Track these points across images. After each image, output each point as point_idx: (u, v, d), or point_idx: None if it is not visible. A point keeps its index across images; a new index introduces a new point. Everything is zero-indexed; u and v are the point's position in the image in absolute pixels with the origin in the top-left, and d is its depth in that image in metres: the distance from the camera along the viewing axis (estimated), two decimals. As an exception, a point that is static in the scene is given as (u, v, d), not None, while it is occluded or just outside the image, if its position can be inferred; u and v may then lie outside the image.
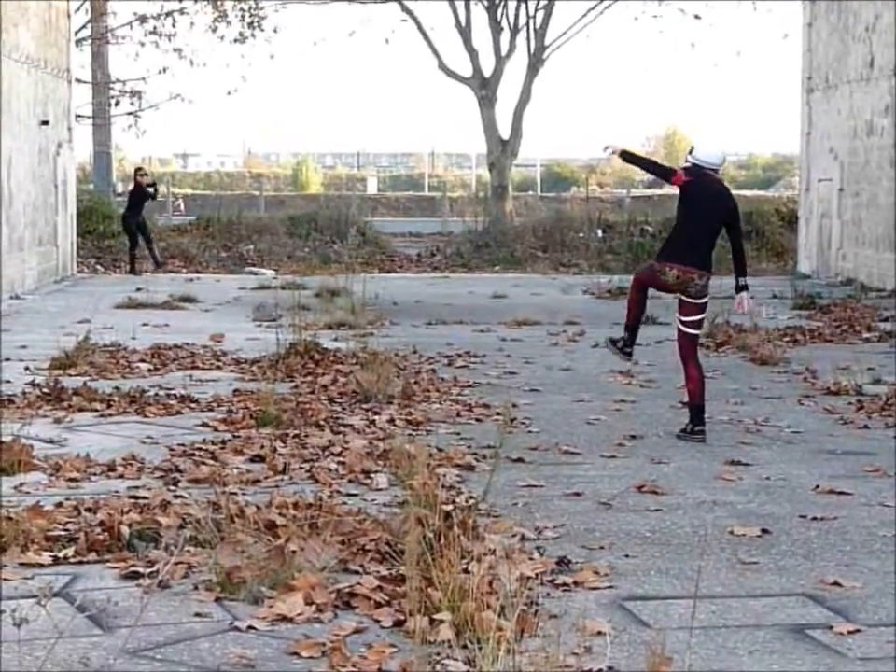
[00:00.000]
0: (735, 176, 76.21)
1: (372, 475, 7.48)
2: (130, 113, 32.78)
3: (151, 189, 25.19)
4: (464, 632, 4.71)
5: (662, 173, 9.37)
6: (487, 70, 33.86)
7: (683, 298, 9.08)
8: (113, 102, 32.85)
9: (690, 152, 9.16)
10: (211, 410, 9.78)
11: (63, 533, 6.03)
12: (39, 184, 21.70)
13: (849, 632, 5.02)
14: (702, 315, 9.20)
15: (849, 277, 22.98)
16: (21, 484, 7.13)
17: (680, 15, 34.89)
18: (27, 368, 11.60)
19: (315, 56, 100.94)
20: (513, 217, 33.35)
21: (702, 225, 9.00)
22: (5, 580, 5.43)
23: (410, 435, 8.57)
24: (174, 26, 32.02)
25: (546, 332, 15.63)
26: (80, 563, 5.74)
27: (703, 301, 9.07)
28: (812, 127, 25.70)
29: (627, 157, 9.36)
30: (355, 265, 23.54)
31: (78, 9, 29.54)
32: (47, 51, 22.28)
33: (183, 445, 8.32)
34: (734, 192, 9.58)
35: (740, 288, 9.21)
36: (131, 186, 26.57)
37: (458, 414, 9.72)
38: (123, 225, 25.38)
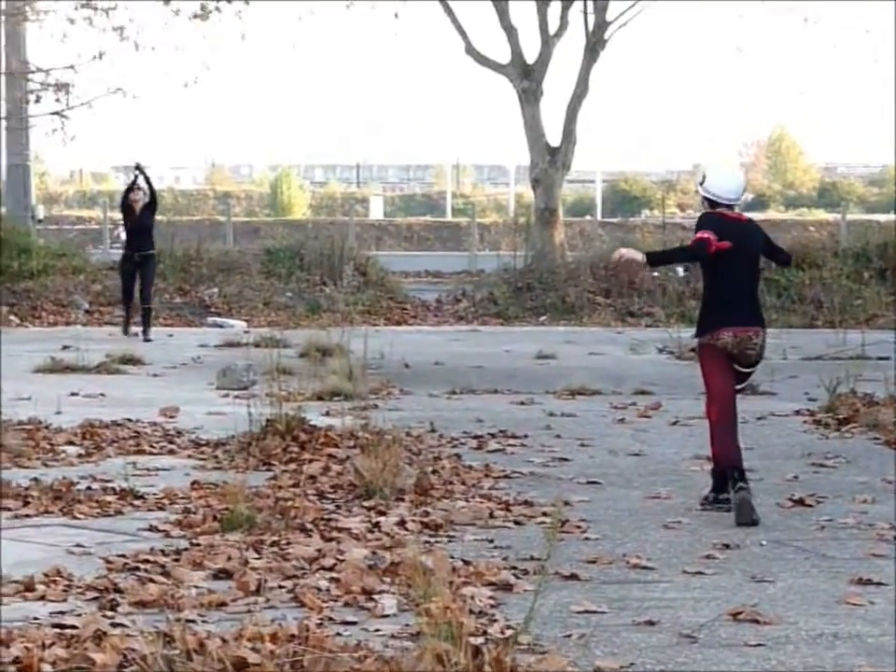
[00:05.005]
0: (864, 195, 76.28)
1: (376, 597, 7.49)
2: (55, 112, 33.01)
3: (139, 182, 23.34)
4: None
5: (692, 252, 10.21)
6: (530, 54, 34.02)
7: (738, 369, 9.87)
8: (32, 98, 33.12)
9: (701, 183, 10.02)
10: (161, 509, 9.80)
11: (-37, 674, 6.06)
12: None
13: None
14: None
15: None
16: None
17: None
18: (-84, 452, 11.65)
19: (300, 36, 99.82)
20: (565, 251, 33.41)
21: (742, 271, 9.89)
22: None
23: (426, 543, 8.57)
24: (113, -4, 32.30)
25: (609, 405, 15.63)
26: (-14, 714, 5.76)
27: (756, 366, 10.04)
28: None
29: (653, 260, 10.54)
30: (353, 315, 23.58)
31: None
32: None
33: (124, 556, 8.32)
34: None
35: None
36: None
37: (491, 515, 9.71)
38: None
